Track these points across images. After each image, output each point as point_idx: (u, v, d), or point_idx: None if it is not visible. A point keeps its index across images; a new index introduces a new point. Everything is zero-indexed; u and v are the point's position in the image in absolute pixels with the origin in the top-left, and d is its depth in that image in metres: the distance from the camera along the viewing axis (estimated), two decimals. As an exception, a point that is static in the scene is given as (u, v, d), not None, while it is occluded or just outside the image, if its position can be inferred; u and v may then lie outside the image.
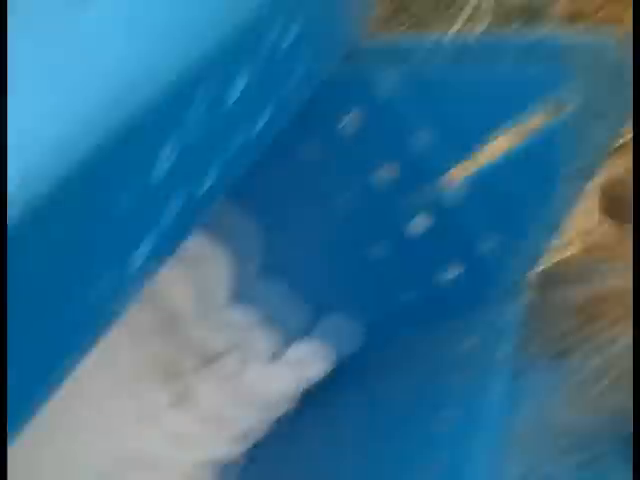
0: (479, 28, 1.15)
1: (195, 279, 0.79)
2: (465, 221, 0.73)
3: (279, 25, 0.41)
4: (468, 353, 0.74)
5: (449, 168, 0.70)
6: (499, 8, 1.19)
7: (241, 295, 0.81)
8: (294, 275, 0.79)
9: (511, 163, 0.68)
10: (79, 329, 0.37)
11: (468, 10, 1.18)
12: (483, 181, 0.70)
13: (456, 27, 1.16)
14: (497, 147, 0.69)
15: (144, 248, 0.41)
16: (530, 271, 0.74)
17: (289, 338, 0.83)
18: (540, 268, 0.75)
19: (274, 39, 0.41)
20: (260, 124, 0.46)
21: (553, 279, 0.74)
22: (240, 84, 0.38)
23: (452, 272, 0.77)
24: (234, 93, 0.38)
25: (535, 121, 0.65)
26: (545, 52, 0.62)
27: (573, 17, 1.15)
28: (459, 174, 0.70)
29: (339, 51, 0.63)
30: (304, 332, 0.84)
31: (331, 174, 0.71)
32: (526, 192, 0.68)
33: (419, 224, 0.74)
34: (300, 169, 0.68)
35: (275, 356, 0.83)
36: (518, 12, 1.22)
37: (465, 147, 0.69)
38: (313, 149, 0.68)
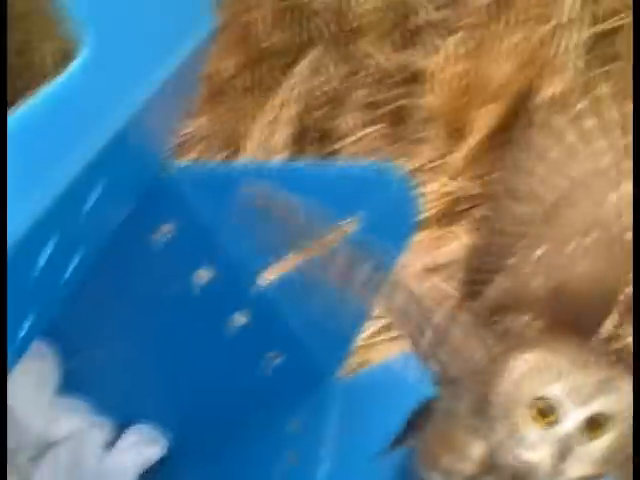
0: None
1: (23, 373, 0.79)
2: (281, 314, 0.78)
3: (80, 194, 0.44)
4: (294, 433, 0.80)
5: (263, 268, 0.75)
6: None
7: (70, 388, 0.82)
8: (118, 369, 0.81)
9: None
10: None
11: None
12: (296, 278, 0.76)
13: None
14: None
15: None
16: (341, 356, 0.81)
17: (121, 425, 0.85)
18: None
19: (76, 207, 0.44)
20: (70, 269, 0.49)
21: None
22: (46, 253, 0.41)
23: (273, 361, 0.82)
24: (40, 262, 0.40)
25: (333, 237, 0.72)
26: (338, 179, 0.70)
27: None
28: (273, 273, 0.76)
29: (148, 177, 0.67)
30: (135, 419, 0.86)
31: (145, 284, 0.74)
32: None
33: (237, 322, 0.78)
34: (115, 278, 0.71)
35: (109, 443, 0.84)
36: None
37: (276, 252, 0.74)
38: (128, 260, 0.71)
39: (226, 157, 1.36)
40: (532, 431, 0.45)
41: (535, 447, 0.45)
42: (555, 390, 0.45)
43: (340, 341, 0.82)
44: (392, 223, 0.71)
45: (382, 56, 1.36)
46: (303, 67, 1.35)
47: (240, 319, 0.79)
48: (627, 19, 0.94)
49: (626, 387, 0.45)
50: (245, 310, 0.78)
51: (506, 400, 0.46)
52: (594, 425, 0.45)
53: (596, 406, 0.44)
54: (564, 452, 0.45)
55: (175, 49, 0.53)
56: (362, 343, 0.98)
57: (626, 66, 0.94)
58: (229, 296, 0.77)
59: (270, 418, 0.81)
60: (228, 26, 1.33)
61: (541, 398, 0.45)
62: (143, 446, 0.85)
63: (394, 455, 0.58)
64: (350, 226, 0.69)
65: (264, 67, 1.38)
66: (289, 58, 1.39)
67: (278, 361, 0.82)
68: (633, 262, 0.51)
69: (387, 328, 1.00)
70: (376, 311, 1.06)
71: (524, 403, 0.46)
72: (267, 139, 1.32)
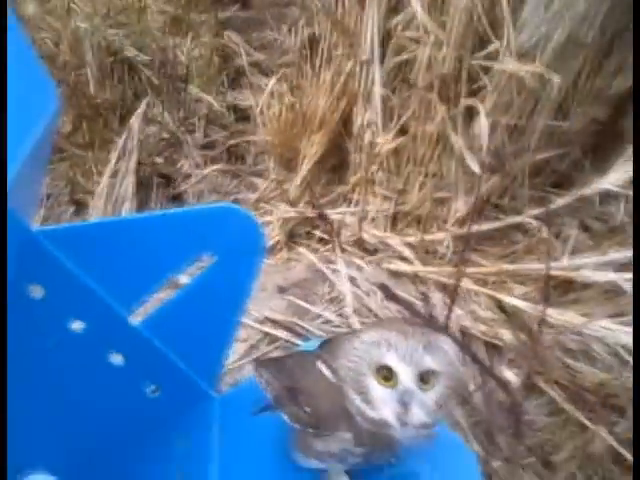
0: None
1: None
2: (154, 348, 0.85)
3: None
4: (182, 453, 0.87)
5: (132, 310, 0.81)
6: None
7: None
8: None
9: (183, 299, 0.82)
10: None
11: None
12: (165, 314, 0.83)
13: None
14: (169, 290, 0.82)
15: None
16: (215, 376, 0.89)
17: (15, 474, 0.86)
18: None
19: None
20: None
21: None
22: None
23: (153, 391, 0.88)
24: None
25: (194, 269, 0.80)
26: (186, 221, 0.77)
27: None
28: (143, 312, 0.82)
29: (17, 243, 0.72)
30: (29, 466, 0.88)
31: (26, 336, 0.78)
32: (201, 320, 0.82)
33: (113, 361, 0.84)
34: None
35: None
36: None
37: (140, 292, 0.81)
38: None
39: (73, 212, 1.40)
40: (380, 393, 0.57)
41: (383, 406, 0.57)
42: (391, 357, 0.57)
43: (212, 363, 0.89)
44: (243, 253, 0.80)
45: (211, 99, 1.46)
46: (138, 117, 1.41)
47: (117, 358, 0.84)
48: (418, 50, 1.09)
49: (446, 347, 0.57)
50: (120, 349, 0.84)
51: (355, 373, 0.58)
52: (425, 380, 0.57)
53: (425, 364, 0.57)
54: (406, 405, 0.56)
55: (29, 130, 0.59)
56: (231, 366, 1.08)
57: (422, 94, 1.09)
58: (104, 338, 0.82)
59: (158, 442, 0.87)
60: (62, 84, 1.37)
61: (382, 365, 0.57)
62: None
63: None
64: (205, 262, 0.77)
65: (100, 121, 1.43)
66: (123, 110, 1.46)
67: (158, 389, 0.88)
68: (633, 256, 0.61)
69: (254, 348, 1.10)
70: (241, 333, 1.17)
71: (369, 372, 0.57)
72: (111, 190, 1.37)
